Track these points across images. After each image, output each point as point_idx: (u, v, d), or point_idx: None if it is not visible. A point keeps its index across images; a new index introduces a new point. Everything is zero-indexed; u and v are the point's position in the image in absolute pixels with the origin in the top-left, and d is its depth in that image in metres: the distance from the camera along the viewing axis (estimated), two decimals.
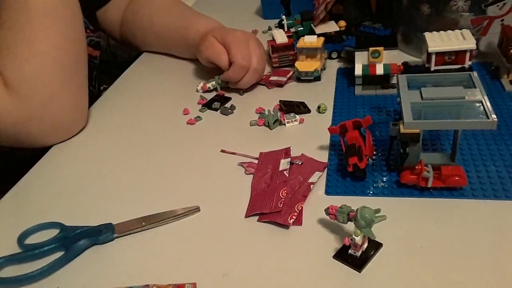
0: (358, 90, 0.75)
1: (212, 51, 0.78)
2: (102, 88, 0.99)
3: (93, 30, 0.89)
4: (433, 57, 0.68)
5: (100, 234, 0.52)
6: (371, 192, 0.54)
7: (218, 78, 0.79)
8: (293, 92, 0.78)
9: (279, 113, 0.70)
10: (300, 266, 0.47)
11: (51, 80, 0.65)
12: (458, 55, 0.67)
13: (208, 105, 0.76)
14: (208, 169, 0.62)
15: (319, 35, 0.81)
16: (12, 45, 0.63)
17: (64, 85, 0.67)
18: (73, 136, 0.72)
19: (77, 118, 0.72)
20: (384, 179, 0.56)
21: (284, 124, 0.69)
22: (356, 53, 0.73)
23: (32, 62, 0.64)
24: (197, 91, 0.81)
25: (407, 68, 0.74)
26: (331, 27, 0.84)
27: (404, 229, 0.49)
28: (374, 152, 0.60)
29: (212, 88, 0.80)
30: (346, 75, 0.80)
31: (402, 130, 0.52)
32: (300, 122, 0.69)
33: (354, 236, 0.45)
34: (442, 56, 0.68)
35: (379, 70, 0.72)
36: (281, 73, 0.82)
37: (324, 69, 0.83)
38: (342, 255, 0.47)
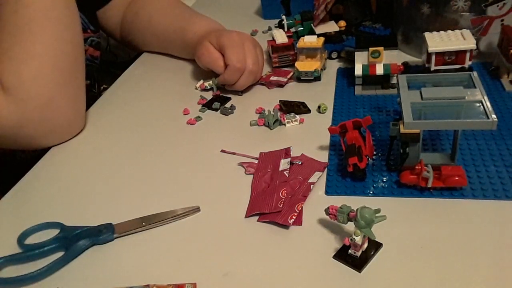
0: (358, 90, 0.75)
1: (208, 58, 0.78)
2: (102, 88, 0.99)
3: (94, 31, 0.89)
4: (433, 57, 0.68)
5: (100, 234, 0.52)
6: (371, 192, 0.54)
7: (215, 79, 0.79)
8: (293, 92, 0.78)
9: (279, 113, 0.70)
10: (300, 266, 0.47)
11: (48, 82, 0.65)
12: (458, 55, 0.67)
13: (208, 105, 0.76)
14: (208, 169, 0.62)
15: (319, 35, 0.81)
16: (9, 48, 0.63)
17: (61, 87, 0.66)
18: (73, 137, 0.72)
19: (75, 120, 0.71)
20: (384, 179, 0.56)
21: (284, 124, 0.69)
22: (356, 53, 0.73)
23: (29, 64, 0.63)
24: (196, 88, 0.81)
25: (407, 68, 0.74)
26: (331, 27, 0.84)
27: (404, 229, 0.49)
28: (374, 152, 0.60)
29: (209, 87, 0.80)
30: (346, 75, 0.80)
31: (402, 130, 0.52)
32: (300, 122, 0.69)
33: (354, 236, 0.45)
34: (442, 56, 0.68)
35: (379, 70, 0.72)
36: (281, 73, 0.82)
37: (324, 69, 0.83)
38: (342, 255, 0.47)
